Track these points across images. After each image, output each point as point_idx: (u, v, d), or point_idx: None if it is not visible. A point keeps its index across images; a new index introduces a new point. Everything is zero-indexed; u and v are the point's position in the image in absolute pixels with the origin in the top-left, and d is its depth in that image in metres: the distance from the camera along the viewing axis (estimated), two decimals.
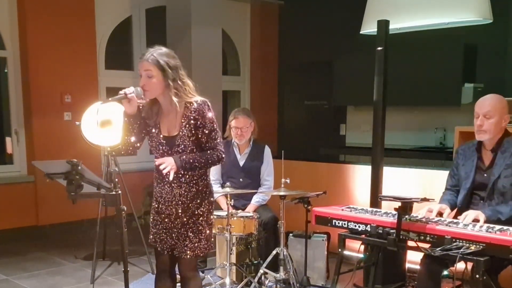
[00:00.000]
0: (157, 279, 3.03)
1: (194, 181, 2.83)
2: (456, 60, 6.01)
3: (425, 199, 2.97)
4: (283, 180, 3.84)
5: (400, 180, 4.51)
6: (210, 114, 2.76)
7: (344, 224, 3.24)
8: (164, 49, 2.74)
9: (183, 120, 2.74)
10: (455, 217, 3.15)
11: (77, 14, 6.19)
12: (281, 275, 3.85)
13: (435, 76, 6.08)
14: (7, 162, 6.26)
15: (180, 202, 2.83)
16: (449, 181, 3.39)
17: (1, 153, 6.37)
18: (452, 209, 3.22)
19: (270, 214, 4.21)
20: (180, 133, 2.75)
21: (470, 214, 2.95)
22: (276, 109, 8.49)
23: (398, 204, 2.90)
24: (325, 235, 4.35)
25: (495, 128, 3.07)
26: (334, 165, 5.28)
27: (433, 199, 3.13)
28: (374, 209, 3.38)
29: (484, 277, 2.63)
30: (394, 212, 3.00)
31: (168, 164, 2.68)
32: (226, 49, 7.86)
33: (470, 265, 2.71)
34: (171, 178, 2.71)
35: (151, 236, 2.96)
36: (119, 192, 2.55)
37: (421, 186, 4.40)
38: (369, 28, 4.04)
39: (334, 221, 3.30)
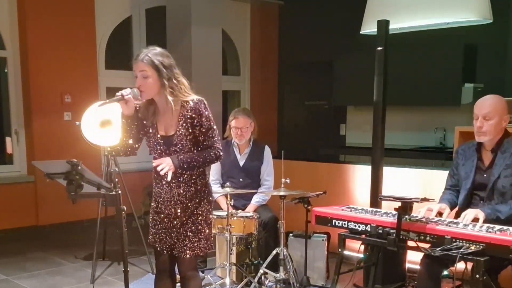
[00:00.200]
0: (157, 279, 3.03)
1: (192, 181, 2.83)
2: (456, 60, 6.01)
3: (425, 199, 2.97)
4: (283, 180, 3.84)
5: (400, 180, 4.51)
6: (206, 112, 2.76)
7: (344, 224, 3.24)
8: (158, 49, 2.74)
9: (179, 119, 2.74)
10: (455, 217, 3.15)
11: (77, 14, 6.20)
12: (281, 275, 3.84)
13: (435, 76, 6.08)
14: (7, 162, 6.26)
15: (179, 202, 2.83)
16: (448, 181, 3.39)
17: (1, 153, 6.37)
18: (451, 209, 3.22)
19: (270, 214, 4.21)
20: (177, 132, 2.75)
21: (469, 213, 2.95)
22: (276, 109, 8.49)
23: (398, 204, 2.90)
24: (325, 235, 4.35)
25: (494, 130, 3.07)
26: (334, 165, 5.27)
27: (433, 199, 3.13)
28: (374, 209, 3.38)
29: (484, 277, 2.63)
30: (394, 212, 3.00)
31: (165, 165, 2.68)
32: (226, 49, 7.86)
33: (470, 265, 2.70)
34: (169, 178, 2.71)
35: (151, 236, 2.96)
36: (119, 192, 2.55)
37: (421, 186, 4.40)
38: (369, 28, 4.04)
39: (334, 221, 3.30)
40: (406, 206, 2.89)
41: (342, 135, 7.76)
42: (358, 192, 4.87)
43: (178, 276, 3.03)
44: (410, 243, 2.97)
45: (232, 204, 3.89)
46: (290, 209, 3.97)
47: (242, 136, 4.26)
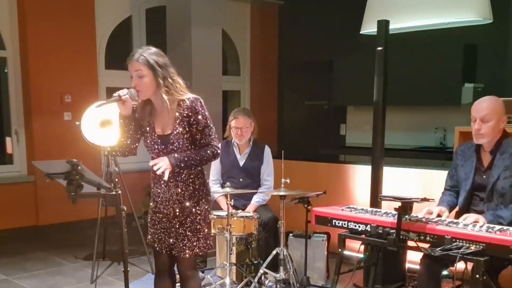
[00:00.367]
0: (156, 279, 3.03)
1: (191, 180, 2.83)
2: (456, 60, 6.01)
3: (425, 199, 2.96)
4: (283, 180, 3.84)
5: (400, 180, 4.51)
6: (203, 111, 2.76)
7: (344, 224, 3.24)
8: (153, 49, 2.75)
9: (176, 118, 2.75)
10: (455, 218, 3.14)
11: (77, 14, 6.20)
12: (281, 275, 3.84)
13: (435, 76, 6.08)
14: (7, 162, 6.26)
15: (177, 201, 2.83)
16: (448, 182, 3.39)
17: (1, 153, 6.37)
18: (451, 211, 3.22)
19: (270, 214, 4.21)
20: (174, 131, 2.75)
21: (470, 217, 2.94)
22: (276, 109, 8.49)
23: (398, 204, 2.90)
24: (325, 235, 4.35)
25: (493, 131, 3.06)
26: (334, 165, 5.27)
27: (433, 199, 3.13)
28: (374, 209, 3.38)
29: (484, 277, 2.63)
30: (394, 212, 2.99)
31: (162, 164, 2.68)
32: (226, 49, 7.86)
33: (470, 265, 2.70)
34: (165, 177, 2.71)
35: (149, 236, 2.96)
36: (119, 192, 2.55)
37: (421, 186, 4.40)
38: (369, 28, 4.04)
39: (334, 221, 3.30)
40: (406, 206, 2.89)
41: (342, 135, 7.76)
42: (358, 192, 4.87)
43: (178, 276, 3.04)
44: (410, 243, 2.97)
45: (232, 204, 3.89)
46: (290, 209, 3.97)
47: (242, 136, 4.26)
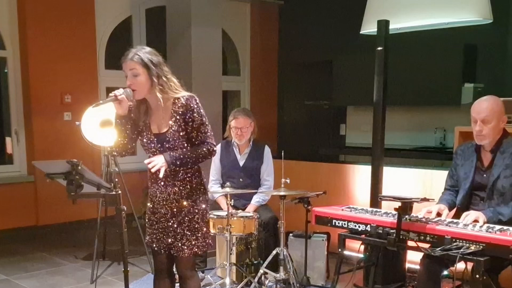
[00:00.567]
0: (156, 279, 3.03)
1: (187, 179, 2.83)
2: (456, 60, 6.01)
3: (425, 199, 2.97)
4: (283, 180, 3.84)
5: (400, 180, 4.51)
6: (198, 108, 2.76)
7: (344, 224, 3.24)
8: (147, 48, 2.76)
9: (172, 116, 2.75)
10: (454, 217, 3.15)
11: (77, 14, 6.19)
12: (281, 275, 3.85)
13: (435, 76, 6.08)
14: (7, 162, 6.26)
15: (174, 201, 2.83)
16: (448, 182, 3.39)
17: (1, 153, 6.37)
18: (450, 210, 3.22)
19: (270, 214, 4.21)
20: (170, 129, 2.76)
21: (470, 215, 2.95)
22: (276, 109, 8.48)
23: (398, 204, 2.90)
24: (325, 235, 4.35)
25: (494, 132, 3.08)
26: (334, 165, 5.28)
27: (433, 199, 3.13)
28: (374, 209, 3.38)
29: (484, 277, 2.63)
30: (394, 212, 2.99)
31: (157, 162, 2.69)
32: (226, 49, 7.86)
33: (470, 265, 2.70)
34: (161, 175, 2.71)
35: (148, 237, 2.96)
36: (119, 192, 2.55)
37: (421, 186, 4.40)
38: (369, 28, 4.04)
39: (334, 221, 3.30)
40: (406, 206, 2.89)
41: (342, 135, 7.76)
42: (358, 192, 4.87)
43: (177, 276, 3.03)
44: (410, 243, 2.97)
45: (232, 204, 3.89)
46: (290, 209, 3.97)
47: (242, 136, 4.26)
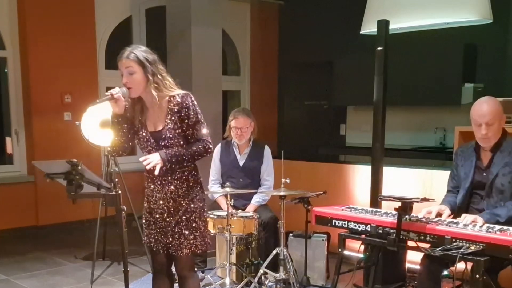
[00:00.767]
0: (154, 279, 3.03)
1: (184, 177, 2.82)
2: (456, 60, 6.02)
3: (425, 199, 2.97)
4: (283, 180, 3.84)
5: (400, 180, 4.51)
6: (193, 106, 2.77)
7: (344, 224, 3.24)
8: (142, 47, 2.79)
9: (167, 114, 2.76)
10: (453, 217, 3.15)
11: (77, 14, 6.19)
12: (281, 275, 3.85)
13: (435, 76, 6.08)
14: (7, 162, 6.26)
15: (171, 200, 2.83)
16: (450, 183, 3.39)
17: (1, 153, 6.37)
18: (452, 211, 3.22)
19: (270, 214, 4.21)
20: (166, 126, 2.76)
21: (468, 218, 2.94)
22: (276, 109, 8.48)
23: (398, 204, 2.90)
24: (325, 235, 4.35)
25: (497, 132, 3.10)
26: (334, 165, 5.27)
27: (433, 199, 3.13)
28: (374, 209, 3.38)
29: (484, 277, 2.63)
30: (394, 212, 2.99)
31: (152, 159, 2.69)
32: (226, 49, 7.86)
33: (470, 265, 2.70)
34: (156, 172, 2.71)
35: (145, 237, 2.96)
36: (119, 192, 2.55)
37: (421, 186, 4.40)
38: (369, 28, 4.04)
39: (334, 221, 3.29)
40: (406, 206, 2.89)
41: (342, 135, 7.76)
42: (358, 192, 4.87)
43: (176, 276, 3.03)
44: (410, 243, 2.97)
45: (232, 204, 3.89)
46: (290, 209, 3.97)
47: (242, 136, 4.26)
